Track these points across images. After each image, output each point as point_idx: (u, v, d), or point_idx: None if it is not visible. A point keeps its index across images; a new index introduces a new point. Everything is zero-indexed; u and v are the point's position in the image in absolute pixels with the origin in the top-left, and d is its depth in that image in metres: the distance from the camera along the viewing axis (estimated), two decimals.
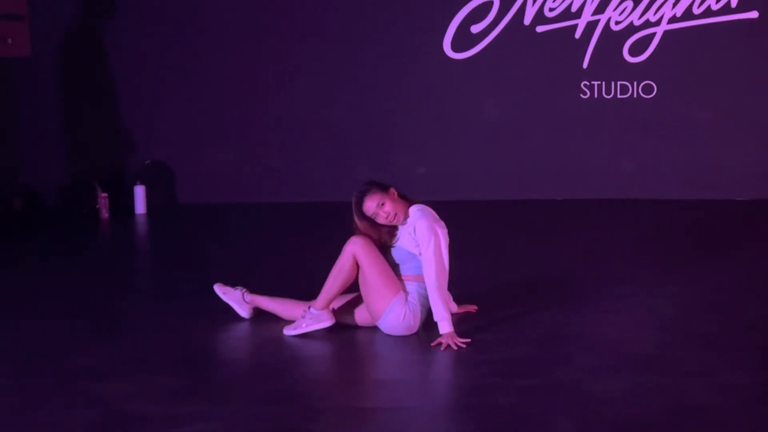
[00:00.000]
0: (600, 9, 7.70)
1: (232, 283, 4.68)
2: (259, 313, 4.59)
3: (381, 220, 4.22)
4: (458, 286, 4.86)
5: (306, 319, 4.29)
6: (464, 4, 7.79)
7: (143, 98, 8.17)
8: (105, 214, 7.65)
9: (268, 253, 6.25)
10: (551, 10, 7.77)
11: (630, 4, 7.66)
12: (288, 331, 4.33)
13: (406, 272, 4.30)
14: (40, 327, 4.62)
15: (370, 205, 4.21)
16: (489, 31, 7.85)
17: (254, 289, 4.63)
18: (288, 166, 8.07)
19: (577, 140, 7.90)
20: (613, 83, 7.80)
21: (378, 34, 7.93)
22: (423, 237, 4.15)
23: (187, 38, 8.05)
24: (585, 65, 7.79)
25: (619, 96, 7.80)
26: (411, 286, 4.28)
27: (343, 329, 4.40)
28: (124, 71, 8.17)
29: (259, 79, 8.00)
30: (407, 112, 8.00)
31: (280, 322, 4.49)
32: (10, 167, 8.18)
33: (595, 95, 7.82)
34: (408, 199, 4.32)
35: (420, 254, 4.19)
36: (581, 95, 7.84)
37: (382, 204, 4.19)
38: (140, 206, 7.80)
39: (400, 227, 4.29)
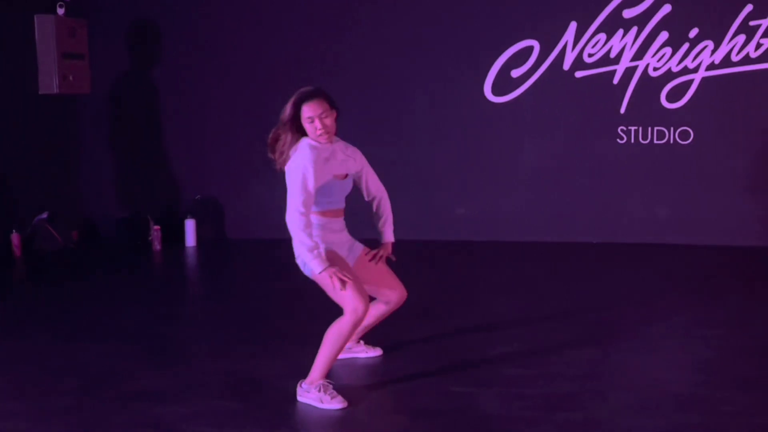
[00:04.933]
0: (638, 55, 7.82)
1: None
2: (304, 340, 4.78)
3: (314, 127, 4.03)
4: (497, 323, 5.01)
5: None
6: (505, 49, 7.97)
7: (194, 135, 8.49)
8: (157, 246, 7.93)
9: (309, 288, 6.41)
10: (590, 55, 7.91)
11: (668, 51, 7.75)
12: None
13: (339, 205, 4.22)
14: (100, 351, 4.88)
15: (315, 107, 4.04)
16: (529, 75, 8.01)
17: (296, 320, 4.78)
18: None
19: (613, 184, 8.01)
20: (650, 129, 7.87)
21: (421, 77, 8.14)
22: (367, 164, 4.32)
23: (236, 78, 8.35)
24: (622, 110, 7.89)
25: (655, 141, 7.87)
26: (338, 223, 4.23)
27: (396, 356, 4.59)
28: (176, 109, 8.51)
29: None
30: (448, 154, 8.19)
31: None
32: (70, 200, 8.51)
33: (632, 140, 7.91)
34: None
35: (368, 182, 4.34)
36: (618, 140, 7.94)
37: (326, 116, 4.06)
38: (190, 239, 8.07)
39: (340, 152, 4.16)
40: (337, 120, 4.16)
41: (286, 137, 4.12)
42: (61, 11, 7.53)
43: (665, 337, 5.10)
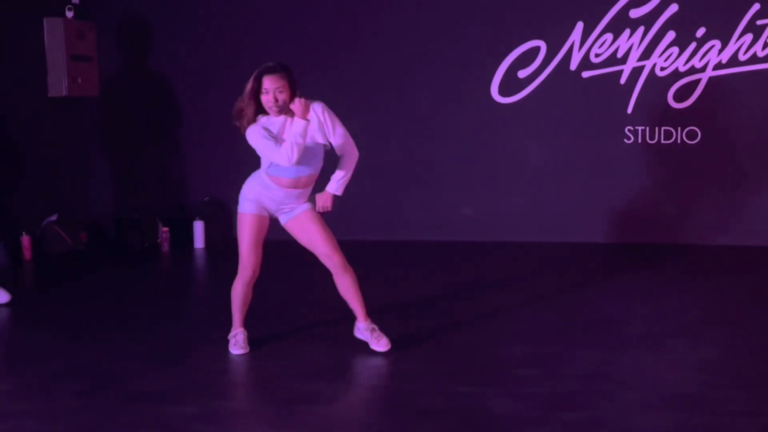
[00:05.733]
0: (645, 55, 7.81)
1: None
2: (304, 340, 4.81)
3: (267, 99, 4.43)
4: (502, 322, 4.99)
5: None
6: (512, 50, 7.98)
7: (202, 137, 8.51)
8: (166, 247, 7.96)
9: (310, 288, 6.43)
10: (597, 55, 7.90)
11: (675, 51, 7.75)
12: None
13: (315, 170, 4.65)
14: (107, 352, 4.92)
15: (273, 81, 4.42)
16: (536, 76, 8.01)
17: (297, 320, 4.80)
18: (337, 204, 8.28)
19: (620, 185, 7.99)
20: (657, 129, 7.86)
21: (428, 77, 8.15)
22: (331, 115, 4.53)
23: (243, 80, 8.32)
24: (629, 110, 7.89)
25: (662, 141, 7.87)
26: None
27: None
28: (184, 110, 8.54)
29: None
30: (454, 154, 8.20)
31: (336, 348, 4.71)
32: (79, 202, 8.54)
33: (639, 140, 7.90)
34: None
35: (332, 135, 4.55)
36: (625, 140, 7.93)
37: (281, 91, 4.42)
38: (199, 241, 8.09)
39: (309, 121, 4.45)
40: (294, 97, 4.42)
41: (248, 111, 4.48)
42: (69, 14, 7.58)
43: (670, 336, 5.10)
